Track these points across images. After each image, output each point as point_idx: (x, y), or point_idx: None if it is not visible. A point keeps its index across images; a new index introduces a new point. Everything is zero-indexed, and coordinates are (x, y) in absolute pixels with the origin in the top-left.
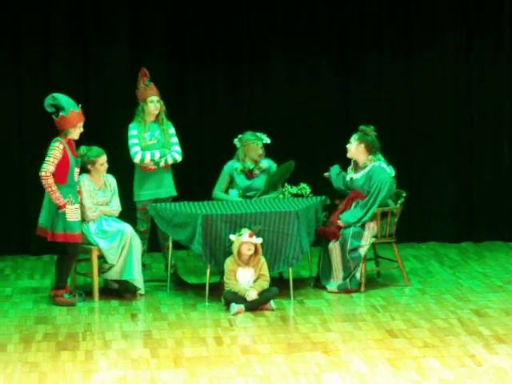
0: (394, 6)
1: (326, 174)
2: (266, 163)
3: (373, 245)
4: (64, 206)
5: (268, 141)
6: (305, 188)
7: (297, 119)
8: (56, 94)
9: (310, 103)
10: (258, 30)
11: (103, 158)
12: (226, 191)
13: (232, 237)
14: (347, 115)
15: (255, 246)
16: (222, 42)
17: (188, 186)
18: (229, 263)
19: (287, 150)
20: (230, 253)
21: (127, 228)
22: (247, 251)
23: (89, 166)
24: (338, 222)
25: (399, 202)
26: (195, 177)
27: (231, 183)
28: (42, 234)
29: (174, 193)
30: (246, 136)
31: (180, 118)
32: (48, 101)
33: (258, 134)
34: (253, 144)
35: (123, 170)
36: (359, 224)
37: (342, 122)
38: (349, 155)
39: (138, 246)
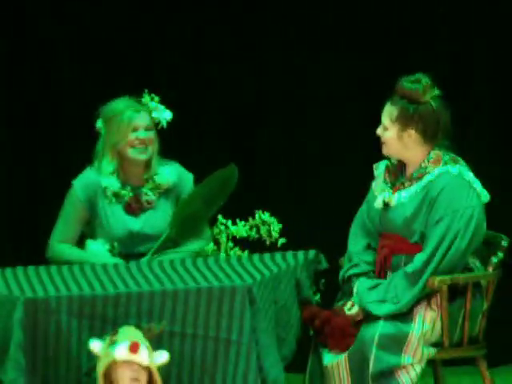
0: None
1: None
2: (168, 173)
3: (432, 364)
4: None
5: (167, 116)
6: (267, 222)
7: None
8: None
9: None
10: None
11: None
12: (81, 243)
13: (95, 345)
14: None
15: (148, 371)
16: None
17: None
18: None
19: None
20: None
21: None
22: (131, 382)
23: None
24: (347, 309)
25: (493, 260)
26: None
27: (90, 225)
28: None
29: None
30: (112, 104)
31: None
32: None
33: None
34: (120, 117)
35: None
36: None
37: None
38: (386, 151)
39: None
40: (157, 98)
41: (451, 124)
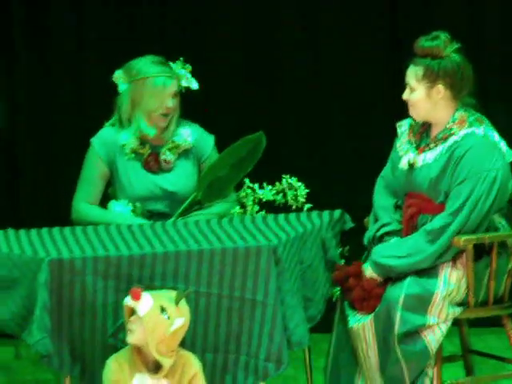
0: None
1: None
2: (187, 133)
3: (458, 324)
4: None
5: (194, 85)
6: (294, 187)
7: None
8: None
9: None
10: None
11: None
12: (104, 203)
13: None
14: None
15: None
16: None
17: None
18: (113, 368)
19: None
20: (114, 347)
21: None
22: (127, 332)
23: None
24: (366, 270)
25: None
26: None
27: (110, 187)
28: None
29: None
30: (140, 64)
31: None
32: None
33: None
34: (153, 81)
35: None
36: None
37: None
38: (415, 114)
39: None
40: (189, 67)
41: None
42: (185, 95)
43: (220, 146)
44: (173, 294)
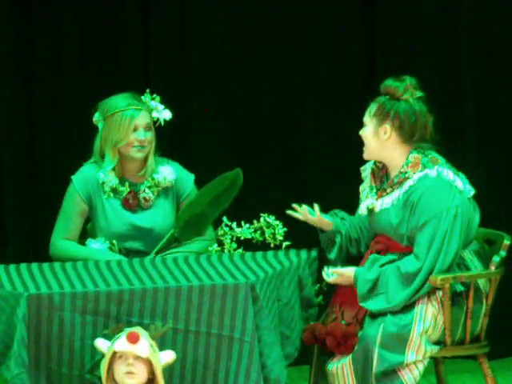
0: None
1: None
2: (168, 172)
3: (434, 362)
4: None
5: (166, 116)
6: (272, 225)
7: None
8: None
9: None
10: None
11: None
12: (83, 240)
13: (100, 342)
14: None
15: (150, 365)
16: None
17: None
18: None
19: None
20: (92, 382)
21: None
22: (126, 376)
23: None
24: (326, 275)
25: (495, 260)
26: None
27: (89, 223)
28: None
29: None
30: (112, 100)
31: None
32: None
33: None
34: (121, 114)
35: None
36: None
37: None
38: (365, 153)
39: None
40: (158, 98)
41: (435, 128)
42: (163, 132)
43: (197, 183)
44: (141, 329)
